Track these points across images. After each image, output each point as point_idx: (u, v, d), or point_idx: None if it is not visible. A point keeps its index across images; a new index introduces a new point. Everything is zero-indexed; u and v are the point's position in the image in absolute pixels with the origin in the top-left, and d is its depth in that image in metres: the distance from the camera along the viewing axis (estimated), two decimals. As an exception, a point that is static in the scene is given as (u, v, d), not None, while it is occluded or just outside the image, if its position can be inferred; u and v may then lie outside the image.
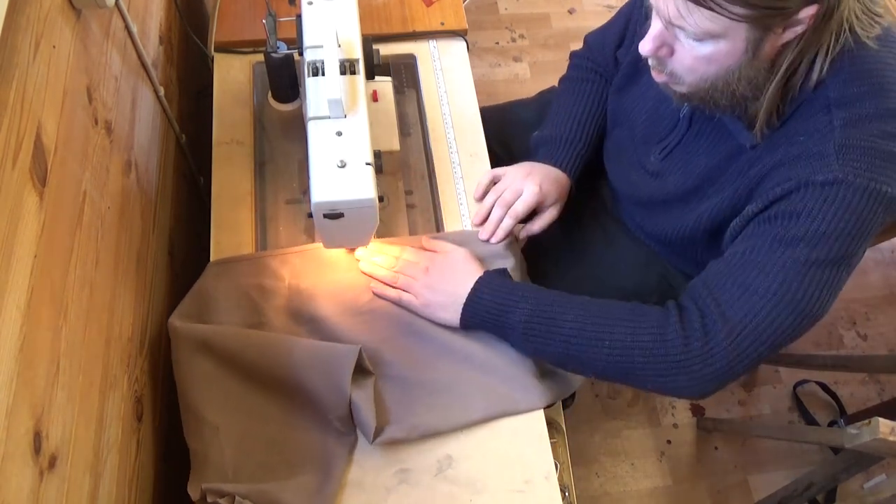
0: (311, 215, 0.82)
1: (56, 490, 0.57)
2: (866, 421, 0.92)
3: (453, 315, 0.86)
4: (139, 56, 0.92)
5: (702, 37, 0.69)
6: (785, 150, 0.74)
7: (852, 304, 1.79)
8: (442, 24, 1.17)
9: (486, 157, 1.05)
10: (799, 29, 0.67)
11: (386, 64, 1.11)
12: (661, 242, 0.99)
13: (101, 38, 0.79)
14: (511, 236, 0.96)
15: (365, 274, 0.92)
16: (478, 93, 1.12)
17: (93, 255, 0.70)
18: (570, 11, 2.23)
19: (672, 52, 0.74)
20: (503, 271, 0.89)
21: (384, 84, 1.08)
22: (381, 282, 0.91)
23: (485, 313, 0.84)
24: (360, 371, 0.82)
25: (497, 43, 2.15)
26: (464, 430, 0.84)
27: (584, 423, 1.57)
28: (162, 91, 0.99)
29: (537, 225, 0.98)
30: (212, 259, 0.92)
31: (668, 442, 1.57)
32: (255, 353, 0.82)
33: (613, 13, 1.08)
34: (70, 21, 0.69)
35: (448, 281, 0.87)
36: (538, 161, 1.01)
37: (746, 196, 0.79)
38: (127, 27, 0.86)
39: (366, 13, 1.16)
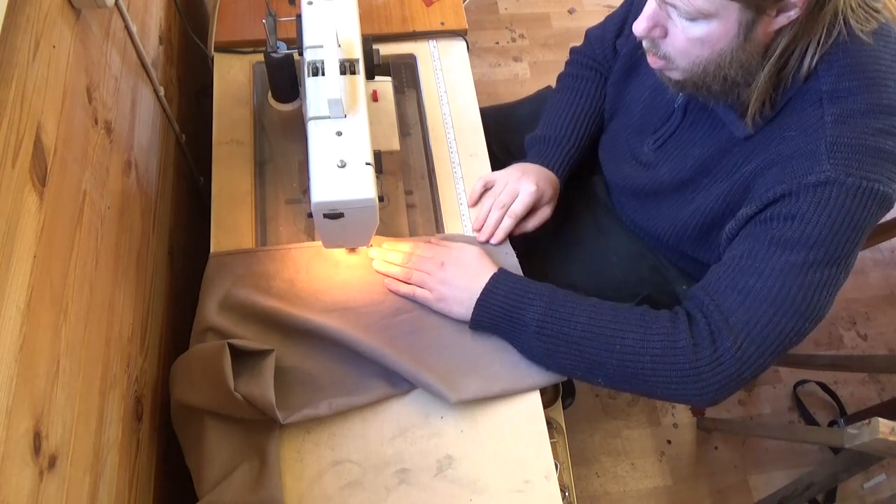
0: (311, 215, 0.82)
1: (56, 490, 0.57)
2: (866, 421, 0.92)
3: (467, 310, 0.86)
4: (139, 56, 0.92)
5: (694, 16, 0.69)
6: (777, 147, 0.74)
7: (852, 304, 1.79)
8: (442, 24, 1.17)
9: (486, 158, 1.05)
10: (792, 14, 0.67)
11: (386, 64, 1.11)
12: (652, 236, 0.99)
13: (101, 38, 0.78)
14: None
15: (378, 272, 0.92)
16: (478, 93, 1.12)
17: (93, 255, 0.70)
18: (570, 11, 2.23)
19: (665, 34, 0.74)
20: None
21: (384, 84, 1.08)
22: (395, 279, 0.91)
23: (498, 309, 0.84)
24: (254, 360, 0.82)
25: (497, 43, 2.15)
26: (464, 429, 0.84)
27: (584, 422, 1.57)
28: (162, 91, 0.99)
29: (532, 224, 0.98)
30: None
31: (669, 442, 1.57)
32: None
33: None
34: (70, 21, 0.69)
35: (463, 276, 0.87)
36: (530, 161, 1.01)
37: (741, 193, 0.79)
38: (127, 27, 0.86)
39: (366, 13, 1.16)
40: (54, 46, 0.64)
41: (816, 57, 0.70)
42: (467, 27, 1.17)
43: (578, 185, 1.10)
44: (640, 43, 0.80)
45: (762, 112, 0.75)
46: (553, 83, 1.18)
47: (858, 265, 1.85)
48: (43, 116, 0.60)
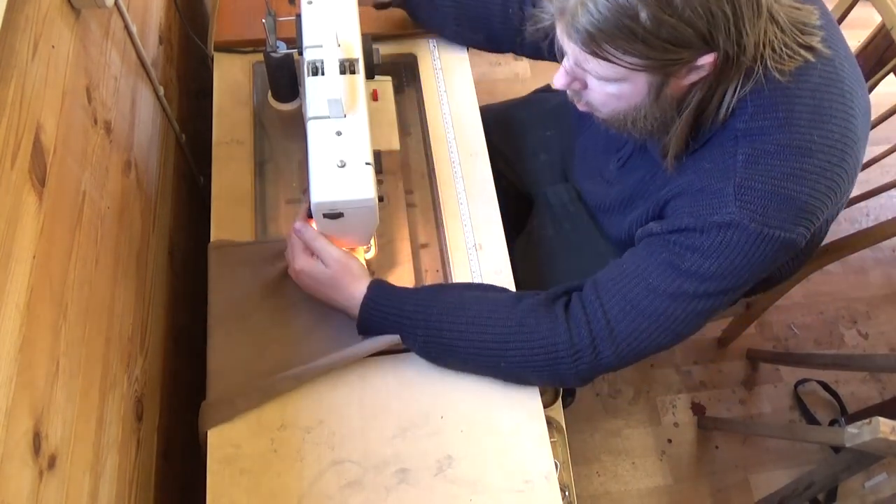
0: (311, 215, 0.82)
1: (56, 490, 0.57)
2: (867, 420, 0.92)
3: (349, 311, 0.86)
4: (139, 56, 0.92)
5: (605, 78, 0.71)
6: (692, 176, 0.77)
7: (853, 303, 1.79)
8: (442, 23, 1.16)
9: (486, 157, 1.05)
10: (702, 72, 0.68)
11: (386, 63, 1.11)
12: (617, 246, 1.01)
13: (101, 37, 0.79)
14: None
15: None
16: (478, 92, 1.12)
17: (92, 255, 0.70)
18: (571, 10, 2.23)
19: (585, 86, 0.77)
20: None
21: (384, 83, 1.08)
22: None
23: (379, 328, 0.84)
24: None
25: (497, 42, 2.14)
26: (464, 429, 0.84)
27: (585, 422, 1.57)
28: (162, 91, 0.99)
29: None
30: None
31: (669, 441, 1.57)
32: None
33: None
34: (69, 21, 0.69)
35: (337, 296, 0.85)
36: None
37: (656, 212, 0.83)
38: (126, 27, 0.87)
39: (366, 12, 1.15)
40: (53, 46, 0.64)
41: (734, 102, 0.71)
42: (467, 26, 1.17)
43: (579, 190, 1.10)
44: None
45: (678, 155, 0.77)
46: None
47: (859, 264, 1.84)
48: (42, 117, 0.60)
